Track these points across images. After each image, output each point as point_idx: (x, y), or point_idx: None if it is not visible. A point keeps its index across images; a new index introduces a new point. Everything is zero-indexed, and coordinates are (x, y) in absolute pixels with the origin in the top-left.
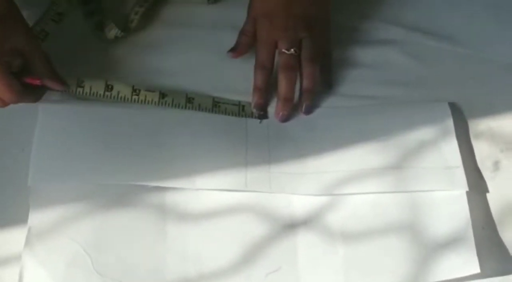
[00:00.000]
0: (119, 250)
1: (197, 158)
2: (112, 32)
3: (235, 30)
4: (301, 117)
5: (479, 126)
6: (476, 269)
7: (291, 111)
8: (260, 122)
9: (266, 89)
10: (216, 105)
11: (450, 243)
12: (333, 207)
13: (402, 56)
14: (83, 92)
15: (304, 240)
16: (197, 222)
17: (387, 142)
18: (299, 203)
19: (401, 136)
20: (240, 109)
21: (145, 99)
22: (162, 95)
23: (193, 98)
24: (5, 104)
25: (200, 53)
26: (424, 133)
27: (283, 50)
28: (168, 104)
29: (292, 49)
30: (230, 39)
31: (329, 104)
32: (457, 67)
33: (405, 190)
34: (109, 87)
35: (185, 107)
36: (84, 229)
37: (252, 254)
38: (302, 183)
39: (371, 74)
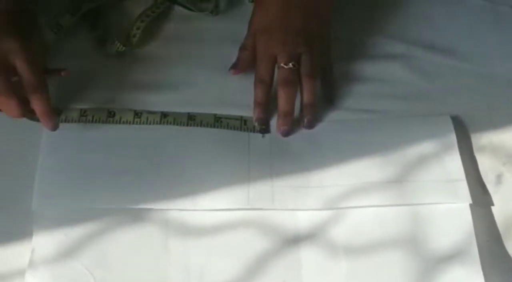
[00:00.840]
0: (122, 268)
1: (199, 177)
2: (114, 46)
3: (236, 44)
4: (303, 132)
5: (481, 140)
6: (480, 281)
7: (291, 125)
8: (263, 136)
9: (267, 103)
10: (218, 121)
11: (454, 256)
12: (336, 221)
13: (405, 70)
14: (86, 120)
15: (307, 254)
16: (200, 237)
17: (389, 156)
18: (302, 217)
19: (403, 150)
20: (242, 124)
21: (147, 121)
22: (164, 115)
23: (194, 116)
24: (14, 116)
25: (202, 68)
26: (426, 146)
27: (282, 64)
28: (170, 123)
29: (290, 64)
30: (232, 53)
31: (331, 118)
32: (459, 81)
33: (408, 203)
34: (111, 114)
35: (187, 125)
36: (87, 248)
37: (255, 269)
38: (305, 197)
39: (373, 88)
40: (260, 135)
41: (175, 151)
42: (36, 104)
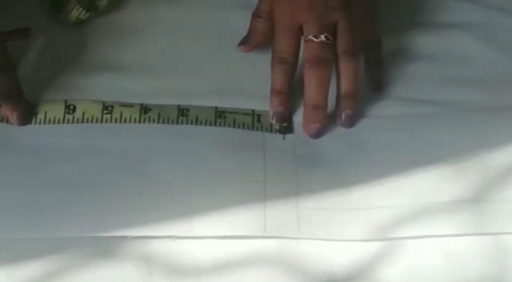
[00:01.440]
0: None
1: (195, 193)
2: (74, 13)
3: (247, 10)
4: (339, 131)
5: None
6: None
7: (324, 123)
8: (283, 138)
9: (289, 92)
10: (221, 116)
11: None
12: (389, 255)
13: (483, 45)
14: (36, 121)
15: None
16: (197, 278)
17: (463, 166)
18: (339, 251)
19: (482, 158)
20: (254, 120)
21: (120, 118)
22: (144, 109)
23: (187, 110)
24: None
25: (198, 43)
26: None
27: (311, 37)
28: (153, 120)
29: (322, 36)
30: (240, 22)
31: (380, 112)
32: None
33: (489, 231)
34: (70, 109)
35: (177, 122)
36: None
37: None
38: (343, 224)
39: (439, 70)
40: (279, 136)
41: (161, 159)
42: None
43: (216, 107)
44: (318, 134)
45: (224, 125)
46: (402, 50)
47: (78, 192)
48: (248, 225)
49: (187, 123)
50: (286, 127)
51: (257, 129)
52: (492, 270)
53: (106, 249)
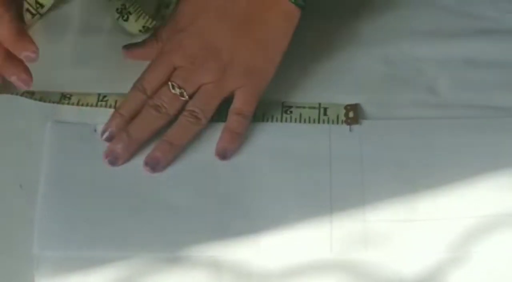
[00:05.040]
0: None
1: (260, 206)
2: (140, 21)
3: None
4: (408, 132)
5: None
6: None
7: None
8: (350, 129)
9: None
10: (287, 111)
11: None
12: (461, 269)
13: None
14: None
15: None
16: None
17: None
18: (412, 264)
19: None
20: (320, 113)
21: None
22: None
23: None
24: None
25: None
26: None
27: (172, 83)
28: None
29: (179, 90)
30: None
31: (445, 115)
32: None
33: None
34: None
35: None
36: None
37: None
38: (414, 236)
39: (503, 76)
40: (344, 143)
41: (223, 172)
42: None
43: (283, 102)
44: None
45: (290, 120)
46: (469, 55)
47: (148, 209)
48: (314, 246)
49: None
50: (353, 119)
51: (323, 122)
52: None
53: (177, 256)
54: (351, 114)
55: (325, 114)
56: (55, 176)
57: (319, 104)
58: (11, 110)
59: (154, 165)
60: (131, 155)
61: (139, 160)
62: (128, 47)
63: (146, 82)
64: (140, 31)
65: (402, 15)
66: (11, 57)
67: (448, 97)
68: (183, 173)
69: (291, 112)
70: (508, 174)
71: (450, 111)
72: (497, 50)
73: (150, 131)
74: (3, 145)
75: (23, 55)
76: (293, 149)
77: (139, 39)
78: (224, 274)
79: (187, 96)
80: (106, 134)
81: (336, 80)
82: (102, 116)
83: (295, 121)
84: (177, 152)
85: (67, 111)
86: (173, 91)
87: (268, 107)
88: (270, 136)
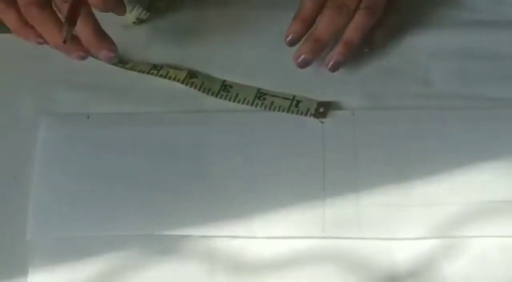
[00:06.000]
0: None
1: (255, 191)
2: (134, 13)
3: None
4: (400, 122)
5: None
6: None
7: (316, 58)
8: (322, 121)
9: (310, 24)
10: (260, 98)
11: None
12: (450, 253)
13: None
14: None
15: None
16: (259, 274)
17: None
18: (403, 248)
19: None
20: (292, 105)
21: (166, 75)
22: (191, 74)
23: (230, 86)
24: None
25: (251, 41)
26: None
27: None
28: (196, 86)
29: None
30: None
31: (438, 106)
32: None
33: None
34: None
35: (217, 95)
36: None
37: None
38: (405, 222)
39: (497, 68)
40: (339, 128)
41: (221, 153)
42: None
43: (259, 89)
44: (303, 65)
45: (261, 107)
46: (470, 49)
47: (142, 191)
48: (307, 226)
49: (225, 98)
50: (322, 113)
51: (292, 113)
52: None
53: (170, 247)
54: (321, 109)
55: (296, 106)
56: (48, 164)
57: (294, 96)
58: (4, 104)
59: (337, 65)
60: (318, 56)
61: (130, 147)
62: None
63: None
64: (134, 23)
65: (395, 6)
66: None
67: (441, 88)
68: (177, 158)
69: (264, 99)
70: (499, 163)
71: (443, 102)
72: (492, 42)
73: (335, 31)
74: None
75: (102, 53)
76: (288, 136)
77: (133, 31)
78: (218, 262)
79: None
80: (290, 38)
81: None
82: (94, 105)
83: (265, 108)
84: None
85: (61, 102)
86: None
87: (244, 90)
88: (264, 124)
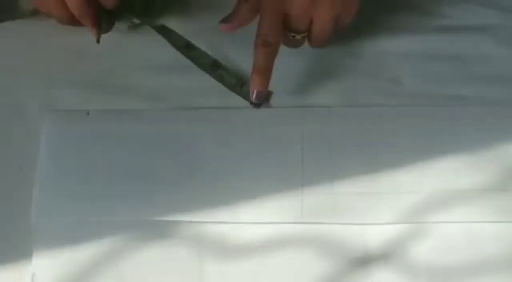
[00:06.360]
0: None
1: (240, 181)
2: (127, 19)
3: None
4: (373, 118)
5: None
6: None
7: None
8: (254, 106)
9: (270, 72)
10: (215, 66)
11: None
12: (417, 237)
13: (499, 46)
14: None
15: (380, 277)
16: (242, 257)
17: (483, 156)
18: (373, 233)
19: (501, 150)
20: (237, 84)
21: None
22: (163, 28)
23: (194, 49)
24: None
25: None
26: None
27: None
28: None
29: (299, 36)
30: None
31: (407, 103)
32: None
33: (509, 219)
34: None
35: (178, 50)
36: (100, 273)
37: None
38: (376, 208)
39: (460, 68)
40: (317, 122)
41: (210, 147)
42: None
43: (216, 60)
44: (260, 97)
45: (212, 75)
46: (428, 51)
47: (138, 180)
48: (287, 213)
49: (186, 56)
50: (260, 104)
51: (235, 92)
52: (508, 249)
53: (160, 232)
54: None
55: (240, 87)
56: (52, 154)
57: (241, 78)
58: (10, 101)
59: (259, 95)
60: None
61: (126, 140)
62: (225, 21)
63: (268, 36)
64: (129, 27)
65: (366, 13)
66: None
67: (409, 87)
68: (169, 151)
69: (216, 70)
70: (461, 155)
71: (411, 100)
72: (454, 45)
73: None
74: (5, 132)
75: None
76: (270, 131)
77: (128, 35)
78: (205, 246)
79: (301, 36)
80: (256, 96)
81: (306, 71)
82: (93, 103)
83: (216, 79)
84: None
85: (63, 99)
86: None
87: (202, 57)
88: (249, 120)
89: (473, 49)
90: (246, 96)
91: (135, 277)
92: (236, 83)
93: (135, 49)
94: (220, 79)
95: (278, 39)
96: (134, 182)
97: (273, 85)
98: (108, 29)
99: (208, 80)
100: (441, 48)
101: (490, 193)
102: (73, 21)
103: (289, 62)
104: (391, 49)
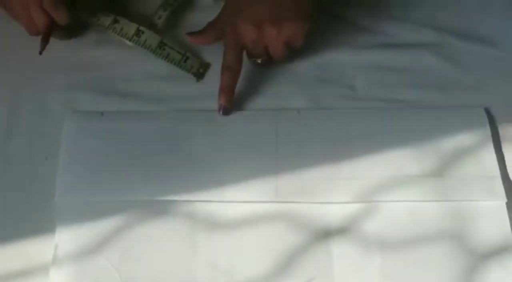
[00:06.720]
0: (147, 263)
1: (226, 168)
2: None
3: None
4: (334, 118)
5: (509, 132)
6: None
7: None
8: (197, 80)
9: (233, 90)
10: (161, 47)
11: (492, 255)
12: (369, 214)
13: (436, 59)
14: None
15: (339, 249)
16: (228, 232)
17: (423, 148)
18: (333, 210)
19: (437, 143)
20: (182, 60)
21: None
22: (114, 20)
23: (142, 32)
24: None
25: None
26: (461, 140)
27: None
28: (116, 31)
29: (259, 60)
30: None
31: (361, 106)
32: (493, 70)
33: (444, 199)
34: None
35: (130, 40)
36: (111, 243)
37: (284, 265)
38: (336, 190)
39: (403, 77)
40: (292, 119)
41: (201, 141)
42: None
43: (162, 39)
44: (226, 112)
45: (160, 56)
46: (378, 63)
47: (142, 167)
48: (264, 193)
49: (136, 43)
50: (200, 74)
51: (181, 68)
52: (445, 226)
53: (160, 210)
54: (201, 70)
55: (185, 62)
56: (72, 144)
57: (185, 52)
58: (37, 103)
59: (226, 111)
60: (232, 101)
61: (133, 135)
62: (191, 34)
63: (232, 62)
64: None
65: (326, 32)
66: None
67: (363, 93)
68: (168, 143)
69: (163, 49)
70: (404, 148)
71: (364, 103)
72: (399, 58)
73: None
74: (33, 128)
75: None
76: (250, 128)
77: (136, 49)
78: (198, 222)
79: (265, 57)
80: (222, 111)
81: (278, 78)
82: (108, 105)
83: (162, 58)
84: None
85: (81, 101)
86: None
87: (151, 38)
88: (233, 119)
89: (414, 62)
90: (190, 70)
91: (138, 248)
92: (181, 59)
93: (140, 61)
94: (168, 57)
95: (239, 65)
96: (138, 169)
97: (254, 92)
98: (64, 37)
99: (201, 87)
100: (388, 61)
101: (428, 178)
102: (37, 33)
103: (265, 73)
104: (348, 61)
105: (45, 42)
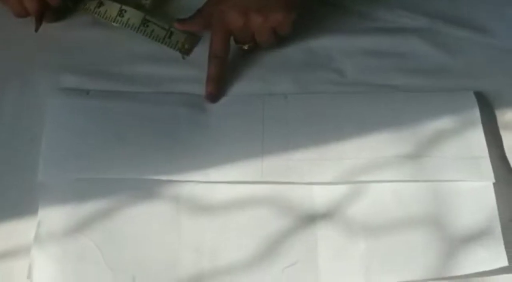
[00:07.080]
0: (131, 245)
1: (211, 149)
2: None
3: None
4: (321, 102)
5: (505, 116)
6: (504, 262)
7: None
8: (183, 58)
9: (222, 79)
10: (145, 25)
11: (476, 236)
12: (353, 198)
13: (426, 45)
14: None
15: (324, 232)
16: (213, 214)
17: (409, 130)
18: (318, 193)
19: (423, 125)
20: (166, 35)
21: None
22: (99, 3)
23: (125, 11)
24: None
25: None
26: (447, 122)
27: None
28: (101, 15)
29: (246, 46)
30: None
31: (349, 91)
32: (483, 56)
33: (428, 179)
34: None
35: (114, 21)
36: (95, 223)
37: (269, 248)
38: (322, 170)
39: (392, 62)
40: (279, 104)
41: (187, 123)
42: None
43: (145, 15)
44: (212, 99)
45: (144, 33)
46: (368, 48)
47: (128, 146)
48: (249, 173)
49: (119, 23)
50: (187, 50)
51: (166, 44)
52: (430, 207)
53: (145, 192)
54: (187, 45)
55: (169, 37)
56: (56, 122)
57: (169, 27)
58: (22, 84)
59: (211, 98)
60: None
61: (119, 115)
62: (178, 21)
63: (218, 50)
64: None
65: (316, 16)
66: None
67: (351, 78)
68: (154, 124)
69: (147, 26)
70: (389, 130)
71: (353, 88)
72: (388, 44)
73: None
74: (18, 109)
75: None
76: (238, 112)
77: (122, 30)
78: (182, 204)
79: (252, 44)
80: (208, 97)
81: (265, 63)
82: (93, 86)
83: (147, 35)
84: None
85: (66, 82)
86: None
87: (134, 16)
88: (219, 103)
89: (404, 48)
90: (175, 45)
91: (122, 229)
92: (166, 34)
93: (127, 42)
94: (152, 34)
95: (226, 53)
96: (123, 147)
97: (240, 76)
98: (52, 19)
99: (190, 70)
100: (377, 46)
101: (414, 158)
102: (26, 15)
103: (252, 57)
104: (336, 46)
105: (39, 22)
